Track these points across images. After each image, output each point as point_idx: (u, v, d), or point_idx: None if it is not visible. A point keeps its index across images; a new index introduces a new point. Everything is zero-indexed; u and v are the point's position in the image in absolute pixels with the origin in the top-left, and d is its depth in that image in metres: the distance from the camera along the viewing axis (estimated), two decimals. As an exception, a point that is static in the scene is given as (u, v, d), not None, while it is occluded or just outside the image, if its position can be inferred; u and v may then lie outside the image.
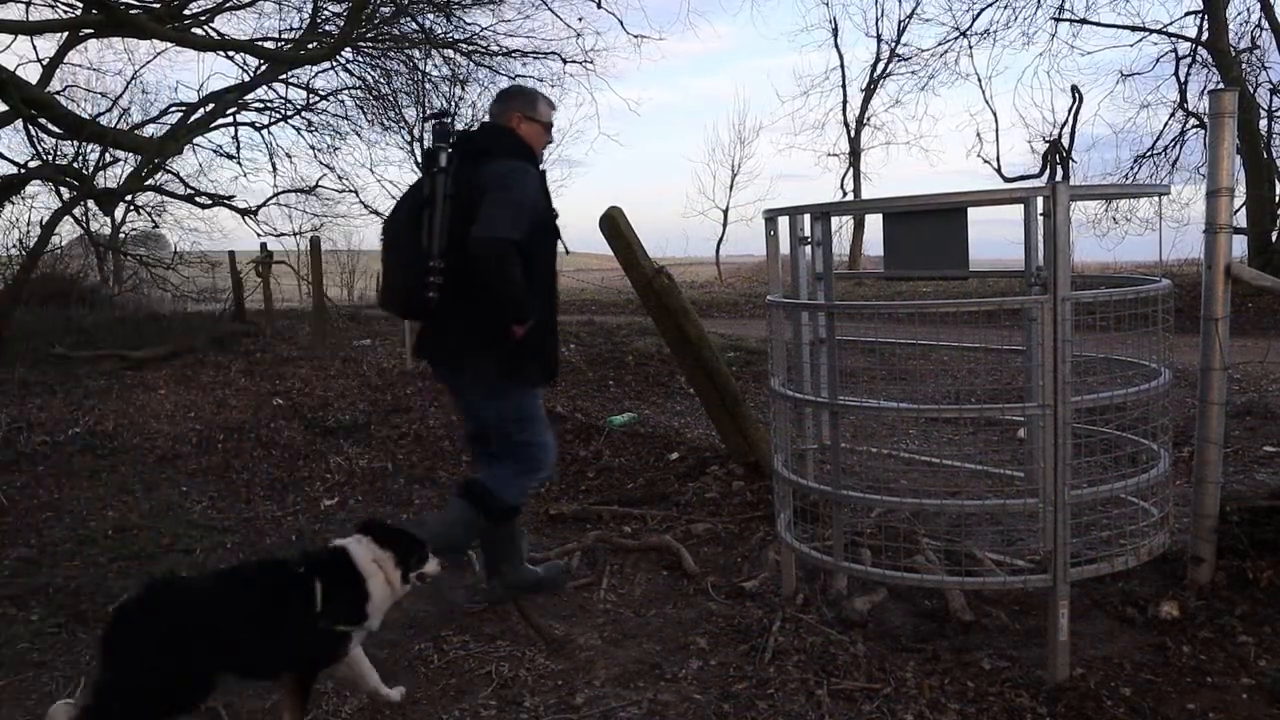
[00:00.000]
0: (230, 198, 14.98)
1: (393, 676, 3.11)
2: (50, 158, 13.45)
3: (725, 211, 28.05)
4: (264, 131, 16.39)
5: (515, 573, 3.65)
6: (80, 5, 11.27)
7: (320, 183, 17.65)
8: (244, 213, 14.98)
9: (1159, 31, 14.02)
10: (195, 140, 15.05)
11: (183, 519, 5.18)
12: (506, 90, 3.69)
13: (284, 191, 17.66)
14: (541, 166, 3.55)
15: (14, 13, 11.91)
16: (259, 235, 16.82)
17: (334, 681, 2.96)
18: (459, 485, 3.67)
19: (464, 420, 3.76)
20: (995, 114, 27.95)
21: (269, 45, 13.73)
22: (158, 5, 11.59)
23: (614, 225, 4.66)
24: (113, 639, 2.43)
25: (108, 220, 17.59)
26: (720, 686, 2.89)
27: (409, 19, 13.36)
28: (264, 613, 2.58)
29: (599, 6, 12.43)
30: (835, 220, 3.33)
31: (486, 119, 3.61)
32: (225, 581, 2.75)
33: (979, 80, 29.59)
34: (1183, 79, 14.09)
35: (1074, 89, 14.95)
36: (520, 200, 3.26)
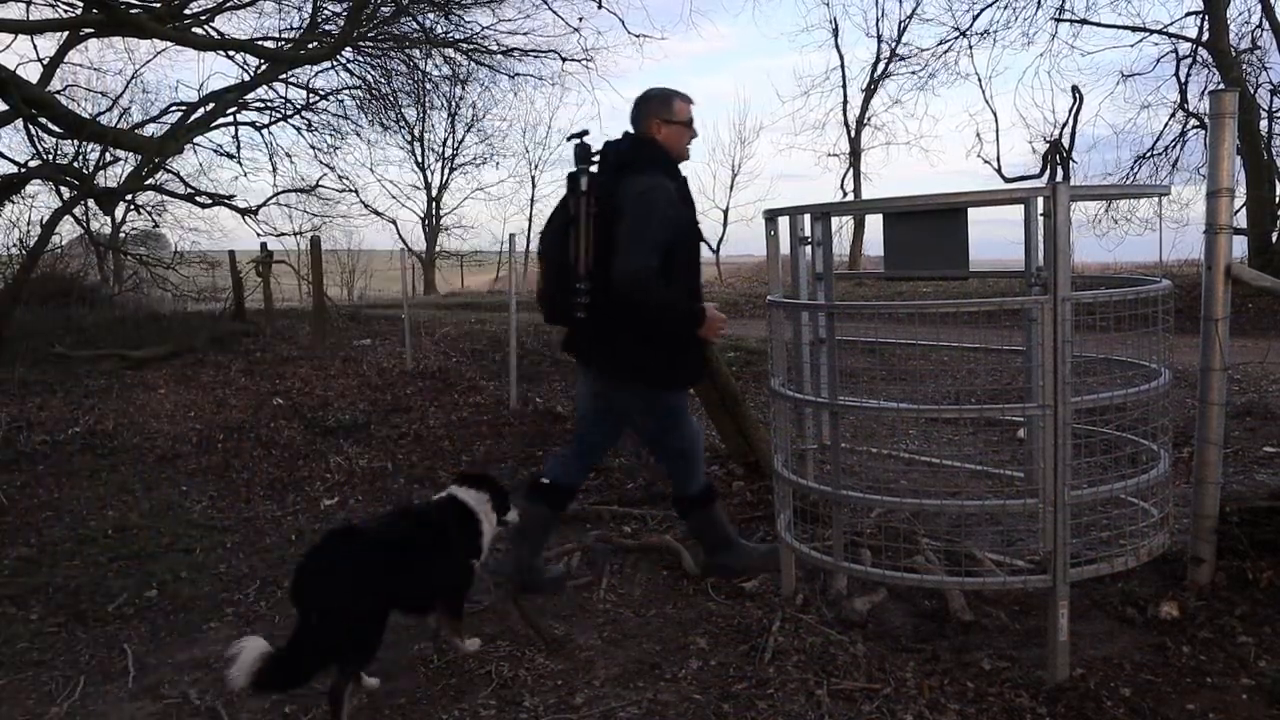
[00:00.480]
0: (230, 197, 14.98)
1: (393, 676, 3.11)
2: (50, 157, 13.45)
3: (725, 211, 28.08)
4: (264, 131, 16.42)
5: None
6: (81, 4, 11.27)
7: (320, 182, 17.69)
8: (244, 212, 14.98)
9: (1159, 32, 14.02)
10: (195, 140, 15.07)
11: (182, 518, 5.18)
12: (642, 96, 3.65)
13: (284, 191, 17.70)
14: (682, 169, 3.61)
15: (14, 12, 11.92)
16: (259, 235, 16.85)
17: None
18: (678, 502, 3.87)
19: (586, 418, 3.81)
20: (995, 114, 28.03)
21: (269, 45, 13.73)
22: (158, 5, 11.59)
23: (614, 225, 4.65)
24: (311, 577, 2.79)
25: (108, 220, 17.62)
26: (720, 686, 2.89)
27: (409, 18, 13.36)
28: (422, 553, 3.03)
29: (600, 6, 12.41)
30: (835, 220, 3.33)
31: (628, 129, 3.63)
32: (387, 528, 3.12)
33: (979, 80, 29.67)
34: (1183, 79, 14.09)
35: (1074, 89, 14.94)
36: (656, 221, 3.32)
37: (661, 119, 3.53)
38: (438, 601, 3.17)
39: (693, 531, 3.89)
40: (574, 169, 3.41)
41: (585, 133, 3.48)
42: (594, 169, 3.43)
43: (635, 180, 3.38)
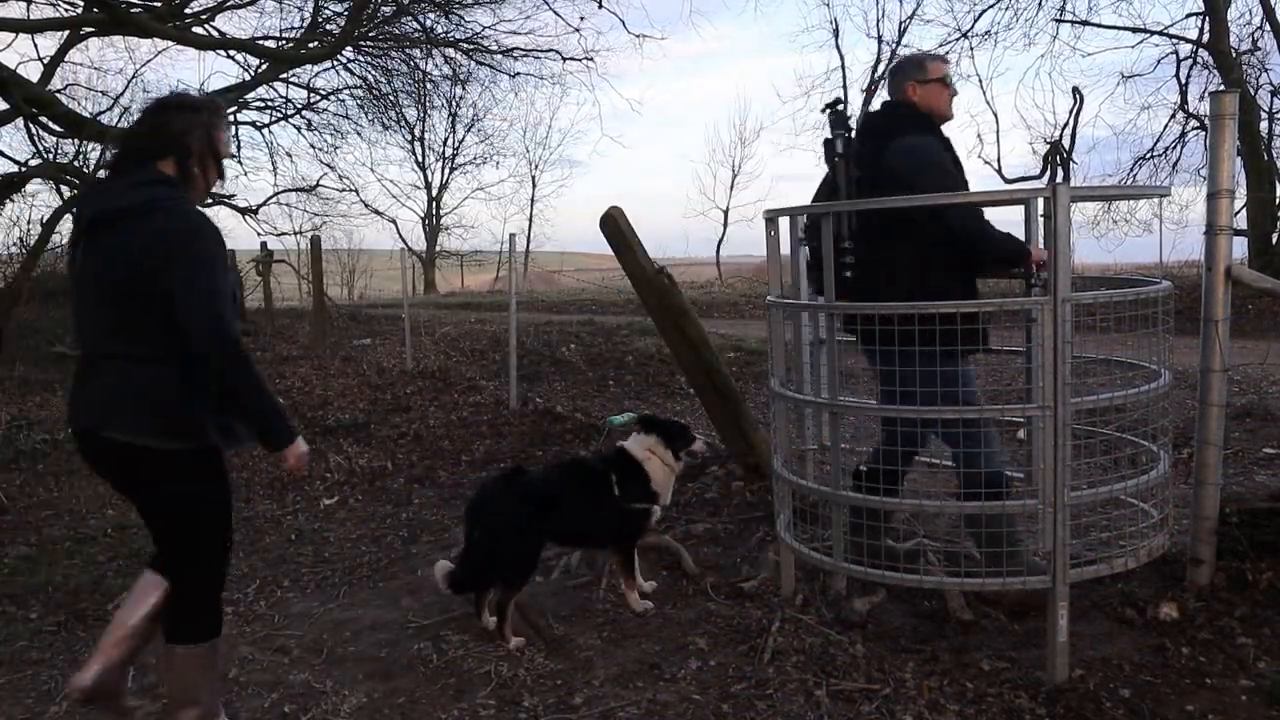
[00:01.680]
0: (231, 196, 14.97)
1: (392, 676, 3.11)
2: (51, 156, 13.45)
3: (725, 212, 28.07)
4: (264, 130, 16.40)
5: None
6: (81, 4, 11.27)
7: (321, 182, 17.69)
8: (244, 211, 14.99)
9: (1160, 33, 14.00)
10: (196, 139, 15.03)
11: (182, 518, 5.18)
12: (895, 64, 3.70)
13: (284, 190, 17.70)
14: (944, 130, 3.51)
15: (15, 11, 11.92)
16: (259, 234, 16.83)
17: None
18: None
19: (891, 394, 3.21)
20: (996, 115, 27.84)
21: (270, 44, 13.73)
22: (159, 4, 11.60)
23: (614, 225, 4.66)
24: (479, 509, 3.46)
25: (108, 219, 17.58)
26: (719, 687, 2.89)
27: (410, 18, 13.36)
28: (578, 495, 3.50)
29: (600, 6, 12.40)
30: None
31: (885, 98, 3.60)
32: (548, 472, 3.73)
33: (980, 81, 29.52)
34: (1183, 81, 14.07)
35: (1075, 90, 14.93)
36: (934, 176, 3.20)
37: (916, 80, 3.47)
38: (609, 544, 3.61)
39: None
40: (829, 135, 3.37)
41: (839, 101, 3.47)
42: (850, 135, 3.38)
43: (898, 142, 3.32)
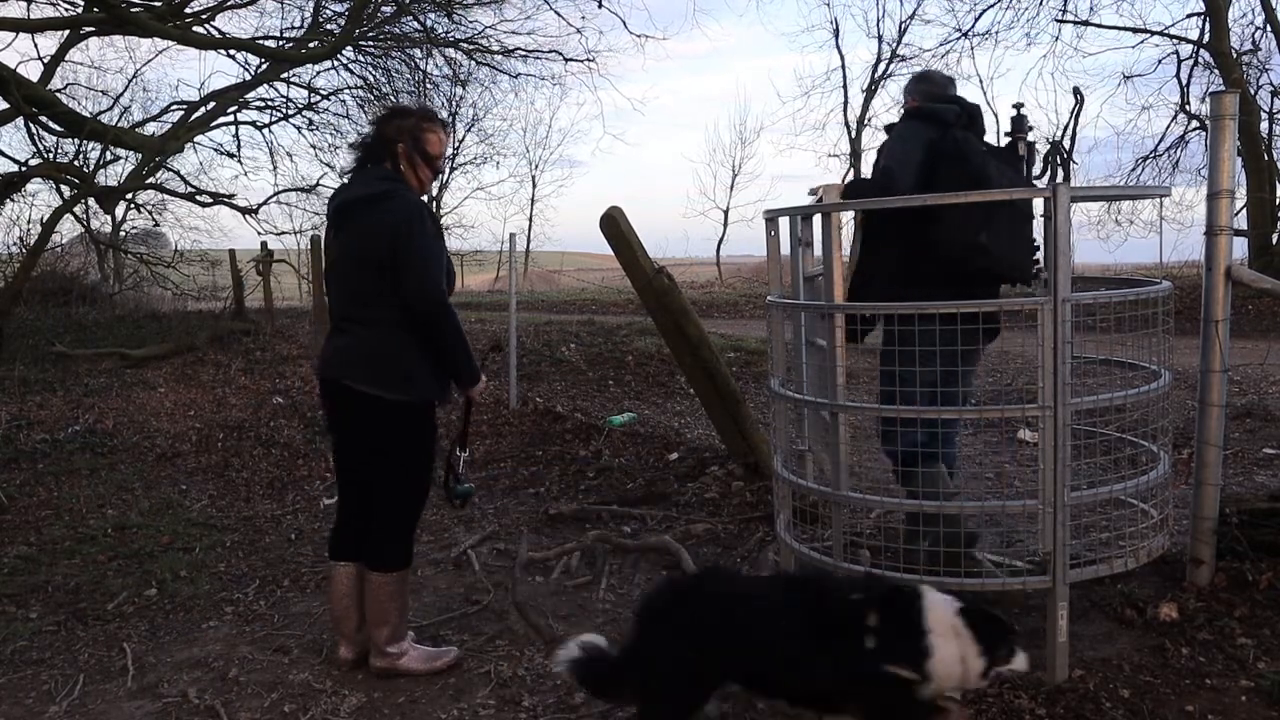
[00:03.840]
0: (231, 196, 14.94)
1: (392, 676, 3.11)
2: (51, 155, 13.45)
3: (726, 212, 28.03)
4: (265, 130, 16.39)
5: None
6: (81, 3, 11.27)
7: (321, 181, 17.63)
8: (245, 211, 14.94)
9: (1161, 33, 14.00)
10: (196, 138, 15.06)
11: (182, 517, 5.19)
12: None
13: (285, 190, 17.65)
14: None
15: (15, 10, 11.94)
16: (259, 234, 16.80)
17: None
18: None
19: None
20: (996, 115, 27.75)
21: (270, 44, 13.72)
22: (159, 3, 11.59)
23: (614, 225, 4.66)
24: (646, 615, 2.51)
25: (108, 218, 17.60)
26: (719, 687, 2.88)
27: (410, 18, 13.35)
28: (807, 635, 2.33)
29: (600, 6, 12.38)
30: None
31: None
32: (769, 588, 2.65)
33: (980, 81, 29.53)
34: (1184, 81, 14.07)
35: (1076, 90, 14.88)
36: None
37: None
38: (836, 706, 2.39)
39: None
40: (1012, 139, 3.52)
41: (1022, 104, 3.62)
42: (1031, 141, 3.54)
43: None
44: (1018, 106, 3.52)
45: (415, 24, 13.50)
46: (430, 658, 3.15)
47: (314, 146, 17.31)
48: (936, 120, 3.39)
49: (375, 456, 3.07)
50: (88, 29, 11.94)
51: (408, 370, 2.99)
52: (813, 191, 3.55)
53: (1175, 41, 14.00)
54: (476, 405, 3.34)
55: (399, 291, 2.92)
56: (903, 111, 3.62)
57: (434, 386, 3.07)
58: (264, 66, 13.99)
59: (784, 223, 3.49)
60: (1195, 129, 14.19)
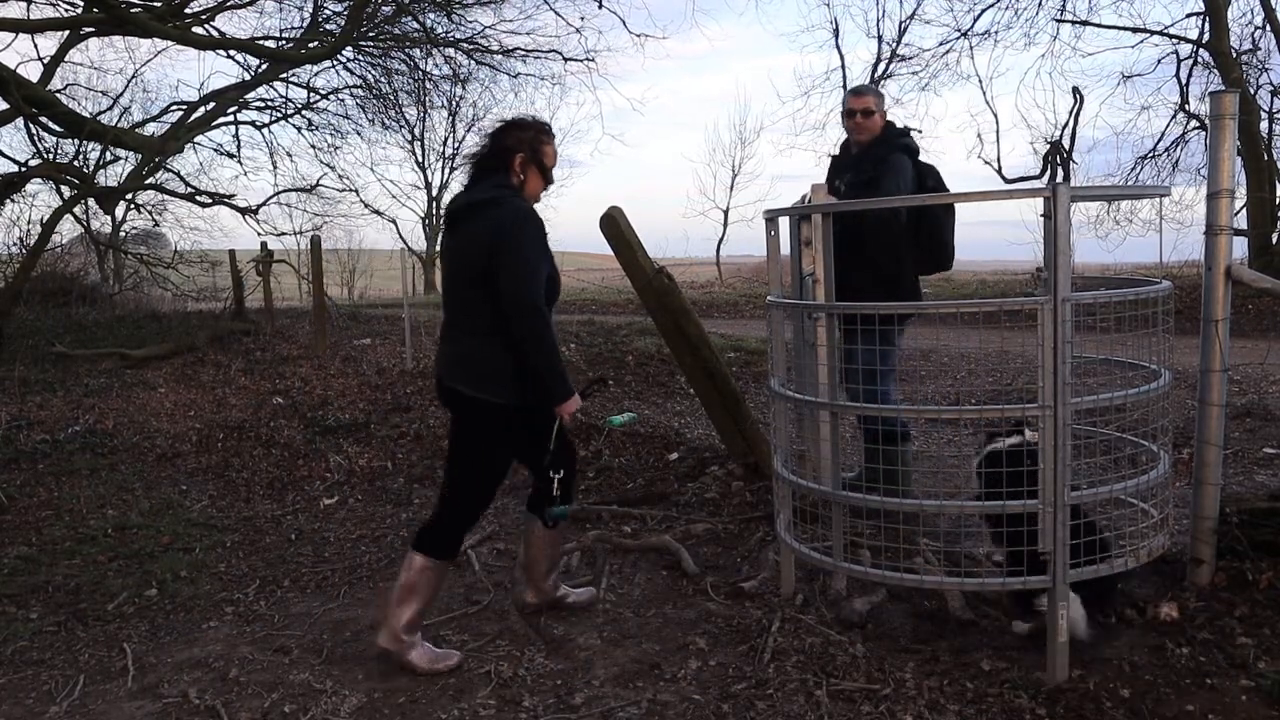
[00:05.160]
0: (231, 196, 14.95)
1: (392, 676, 3.11)
2: (51, 156, 13.45)
3: (725, 212, 27.99)
4: (265, 130, 16.42)
5: None
6: (81, 4, 11.27)
7: (321, 182, 17.67)
8: (244, 211, 14.95)
9: (1160, 33, 13.99)
10: (196, 139, 15.07)
11: (182, 517, 5.19)
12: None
13: (284, 190, 17.69)
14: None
15: (15, 10, 11.94)
16: (259, 234, 16.82)
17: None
18: None
19: None
20: (996, 115, 27.73)
21: (270, 44, 13.72)
22: (159, 4, 11.59)
23: (614, 225, 4.66)
24: None
25: (108, 219, 17.60)
26: (719, 687, 2.89)
27: (410, 18, 13.35)
28: None
29: (600, 6, 12.39)
30: (836, 221, 3.31)
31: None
32: None
33: (980, 81, 29.53)
34: (1184, 81, 14.06)
35: (1075, 90, 14.93)
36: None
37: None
38: None
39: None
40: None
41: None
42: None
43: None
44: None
45: (415, 24, 13.51)
46: (435, 658, 3.17)
47: (314, 146, 17.33)
48: (912, 153, 4.18)
49: (463, 449, 3.22)
50: (88, 29, 11.94)
51: (502, 375, 3.06)
52: (804, 197, 3.64)
53: (1175, 41, 14.00)
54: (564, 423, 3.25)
55: (496, 297, 2.99)
56: (892, 134, 4.21)
57: (526, 392, 3.09)
58: (264, 67, 14.00)
59: (784, 222, 3.49)
60: (1195, 129, 14.19)
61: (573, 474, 3.38)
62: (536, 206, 3.18)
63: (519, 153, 3.15)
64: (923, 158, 4.27)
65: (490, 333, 3.04)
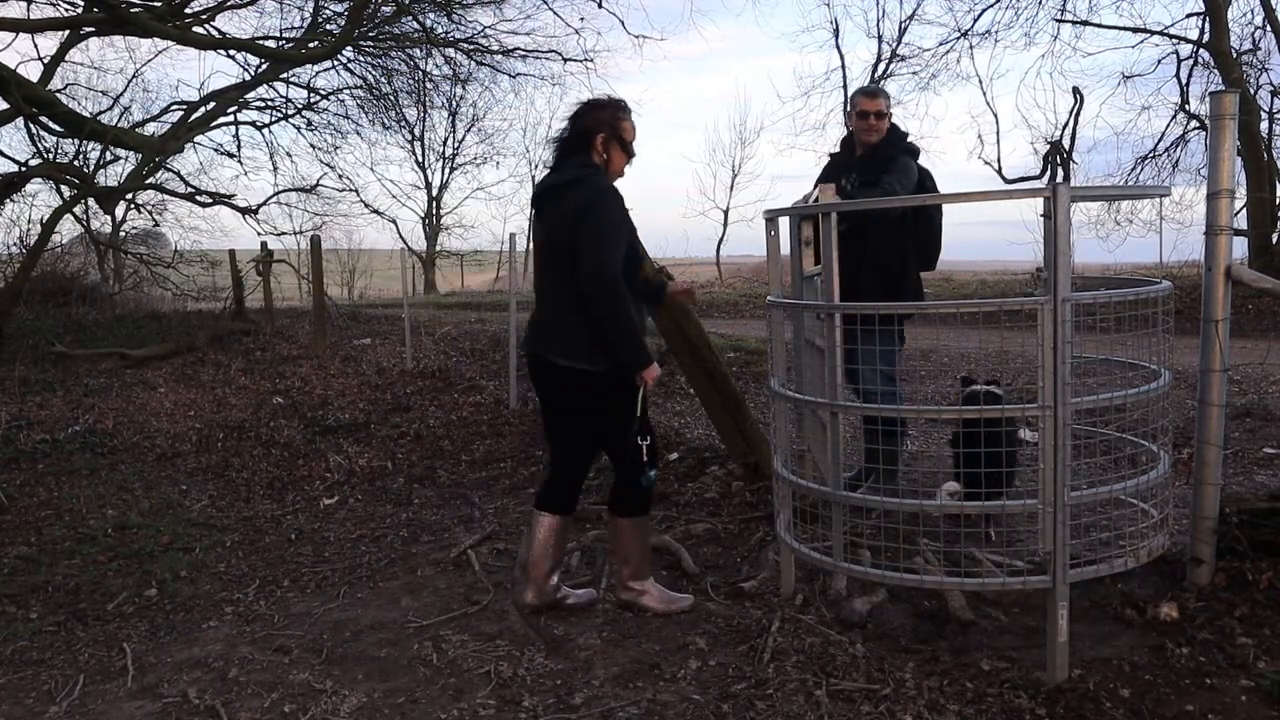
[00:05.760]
0: (231, 196, 14.96)
1: (392, 676, 3.11)
2: (51, 156, 13.44)
3: (725, 212, 27.96)
4: (265, 130, 16.42)
5: None
6: (81, 3, 11.27)
7: (321, 181, 17.68)
8: (244, 211, 14.96)
9: (1160, 33, 13.99)
10: (196, 139, 15.08)
11: (182, 517, 5.19)
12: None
13: (285, 190, 17.69)
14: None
15: (15, 10, 11.94)
16: (259, 234, 16.82)
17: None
18: None
19: None
20: (996, 115, 27.70)
21: (270, 44, 13.72)
22: (159, 4, 11.59)
23: (614, 225, 4.65)
24: None
25: (108, 218, 17.61)
26: (719, 687, 2.89)
27: (410, 18, 13.35)
28: None
29: (600, 6, 12.39)
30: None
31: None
32: None
33: (980, 81, 29.53)
34: (1184, 81, 14.05)
35: (1075, 90, 14.93)
36: None
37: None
38: None
39: None
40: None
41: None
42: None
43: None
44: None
45: (415, 24, 13.51)
46: (669, 600, 3.44)
47: (314, 146, 17.34)
48: (915, 155, 4.29)
49: (585, 419, 3.38)
50: (88, 29, 11.94)
51: (592, 342, 3.21)
52: (808, 196, 3.67)
53: (1175, 41, 13.99)
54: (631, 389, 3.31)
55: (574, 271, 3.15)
56: (897, 136, 4.30)
57: (611, 361, 3.23)
58: (264, 66, 14.00)
59: (784, 222, 3.48)
60: (1195, 129, 14.19)
61: (655, 441, 3.47)
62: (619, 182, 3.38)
63: (600, 132, 3.29)
64: (922, 159, 4.32)
65: (579, 307, 3.18)
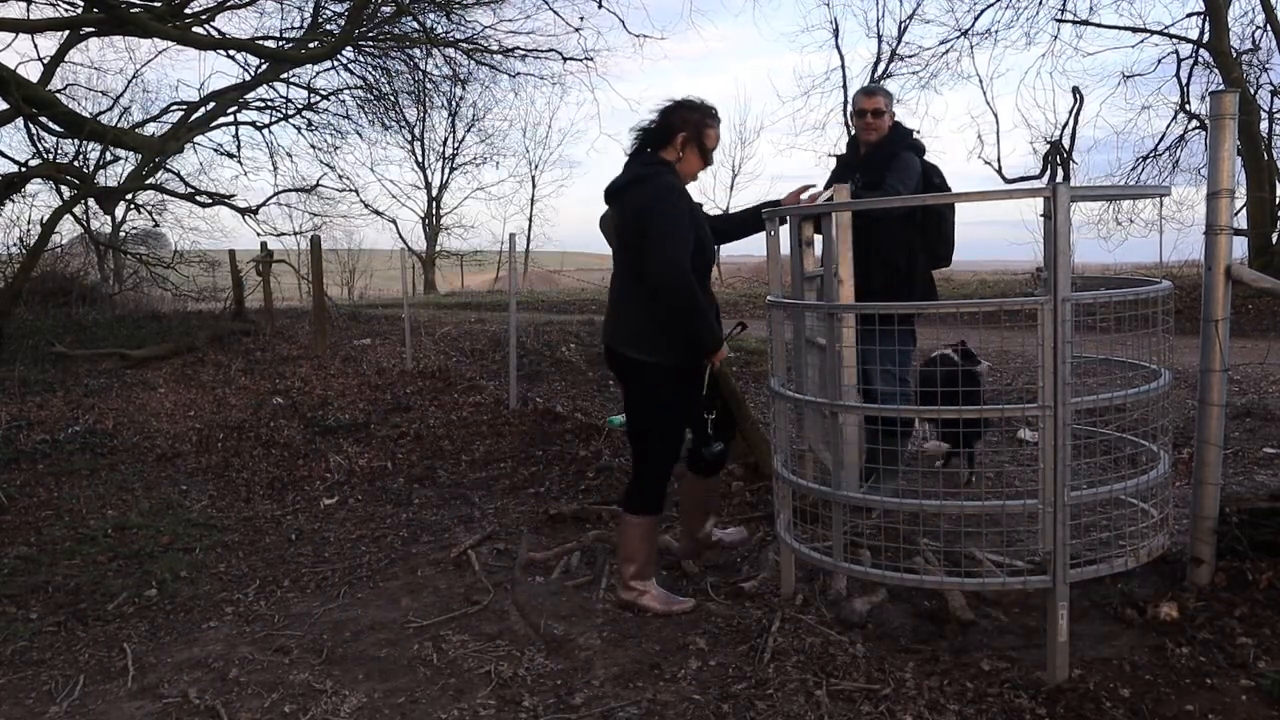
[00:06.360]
0: (231, 196, 14.96)
1: (392, 676, 3.11)
2: (51, 156, 13.45)
3: (726, 211, 28.04)
4: (265, 130, 16.42)
5: None
6: (81, 4, 11.28)
7: (321, 182, 17.69)
8: (244, 212, 14.96)
9: (1160, 33, 13.99)
10: (196, 139, 15.08)
11: (182, 518, 5.19)
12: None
13: (284, 190, 17.70)
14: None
15: (15, 10, 11.94)
16: (259, 234, 16.85)
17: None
18: None
19: None
20: (996, 115, 27.73)
21: (270, 44, 13.72)
22: (159, 4, 11.59)
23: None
24: None
25: (108, 219, 17.62)
26: (719, 687, 2.89)
27: (410, 18, 13.35)
28: None
29: (600, 6, 12.38)
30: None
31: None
32: None
33: (980, 81, 29.59)
34: (1184, 81, 14.06)
35: (1075, 90, 14.94)
36: None
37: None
38: None
39: None
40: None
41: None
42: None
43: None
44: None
45: (415, 24, 13.50)
46: (669, 600, 3.48)
47: (314, 146, 17.36)
48: (919, 151, 4.31)
49: (635, 410, 3.51)
50: (88, 29, 11.94)
51: (656, 336, 3.34)
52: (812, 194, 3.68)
53: (1175, 41, 13.99)
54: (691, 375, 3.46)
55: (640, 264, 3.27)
56: (900, 134, 4.32)
57: (682, 351, 3.34)
58: (264, 67, 14.00)
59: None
60: (1195, 128, 14.18)
61: (721, 415, 3.58)
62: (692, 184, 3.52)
63: (683, 131, 3.40)
64: (926, 157, 4.33)
65: (647, 299, 3.32)
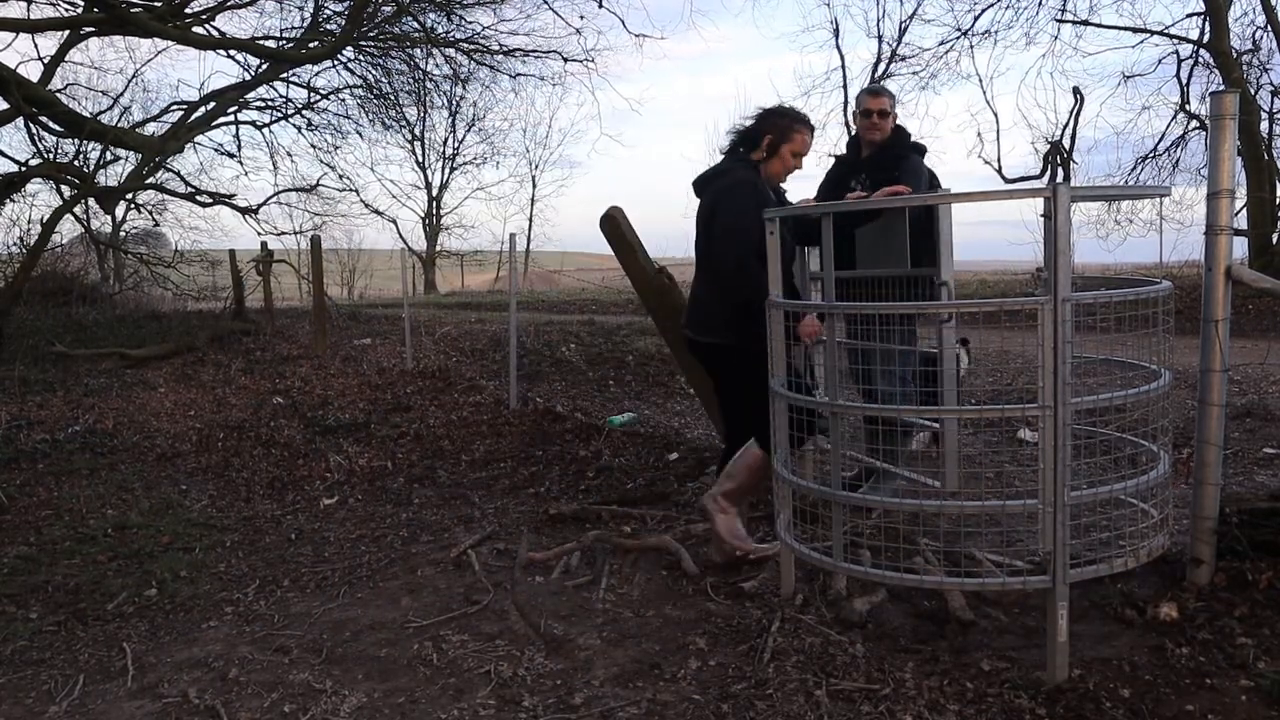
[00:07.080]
0: (231, 196, 14.96)
1: (392, 676, 3.11)
2: (51, 156, 13.47)
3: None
4: (265, 130, 16.43)
5: None
6: (81, 4, 11.28)
7: (321, 181, 17.69)
8: (245, 211, 14.96)
9: (1161, 33, 13.99)
10: (196, 138, 15.09)
11: (182, 517, 5.19)
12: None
13: (285, 190, 17.71)
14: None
15: (15, 10, 11.94)
16: (259, 234, 16.82)
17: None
18: None
19: None
20: (996, 115, 27.66)
21: (270, 44, 13.73)
22: (159, 4, 11.59)
23: (614, 225, 4.66)
24: None
25: (108, 218, 17.64)
26: (719, 687, 2.89)
27: (410, 18, 13.35)
28: None
29: (600, 6, 12.39)
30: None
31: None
32: None
33: (980, 81, 29.51)
34: (1184, 81, 14.06)
35: (1075, 90, 14.93)
36: None
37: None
38: None
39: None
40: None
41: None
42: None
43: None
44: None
45: (415, 24, 13.51)
46: (739, 535, 3.74)
47: (314, 146, 17.35)
48: (922, 154, 4.39)
49: (729, 395, 3.83)
50: (88, 29, 11.94)
51: (728, 320, 3.60)
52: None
53: (1175, 41, 14.00)
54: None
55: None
56: (904, 136, 4.38)
57: (753, 332, 3.43)
58: (264, 66, 14.00)
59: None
60: (1195, 129, 14.19)
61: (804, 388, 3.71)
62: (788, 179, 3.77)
63: (769, 134, 3.66)
64: (925, 159, 4.35)
65: (716, 286, 3.60)
